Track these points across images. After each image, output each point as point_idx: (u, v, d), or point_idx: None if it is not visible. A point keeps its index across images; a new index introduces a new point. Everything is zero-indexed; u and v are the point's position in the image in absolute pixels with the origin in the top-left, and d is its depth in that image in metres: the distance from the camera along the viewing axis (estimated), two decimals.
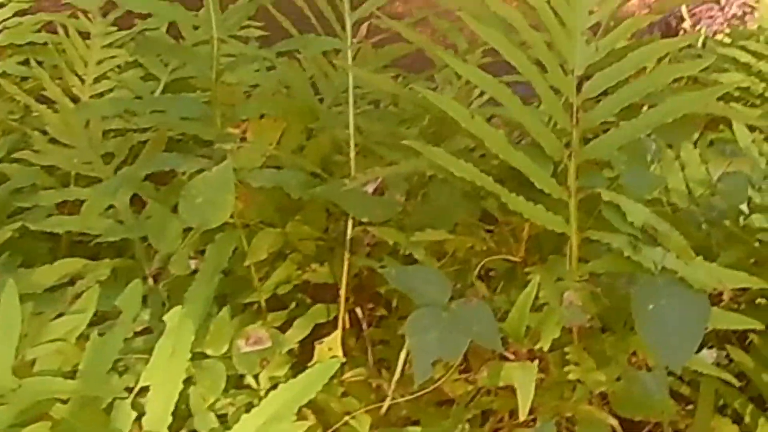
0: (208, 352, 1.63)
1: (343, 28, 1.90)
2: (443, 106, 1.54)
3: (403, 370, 1.65)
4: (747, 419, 1.78)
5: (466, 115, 1.52)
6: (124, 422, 1.44)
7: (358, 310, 1.88)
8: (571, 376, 1.61)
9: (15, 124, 2.34)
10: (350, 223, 1.80)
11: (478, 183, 1.51)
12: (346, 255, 1.81)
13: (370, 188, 1.77)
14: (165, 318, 1.51)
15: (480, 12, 1.59)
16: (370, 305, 1.95)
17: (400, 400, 1.63)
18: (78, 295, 1.60)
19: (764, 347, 1.79)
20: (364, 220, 1.73)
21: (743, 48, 2.90)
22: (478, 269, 1.68)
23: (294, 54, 2.34)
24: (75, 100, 2.40)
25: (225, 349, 1.64)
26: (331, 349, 1.65)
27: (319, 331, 1.79)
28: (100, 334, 1.49)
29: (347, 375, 1.74)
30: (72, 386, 1.40)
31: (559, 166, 1.61)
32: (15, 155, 2.13)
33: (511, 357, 1.61)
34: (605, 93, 1.63)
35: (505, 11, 1.58)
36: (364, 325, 1.87)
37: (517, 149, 1.56)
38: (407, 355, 1.63)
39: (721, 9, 4.50)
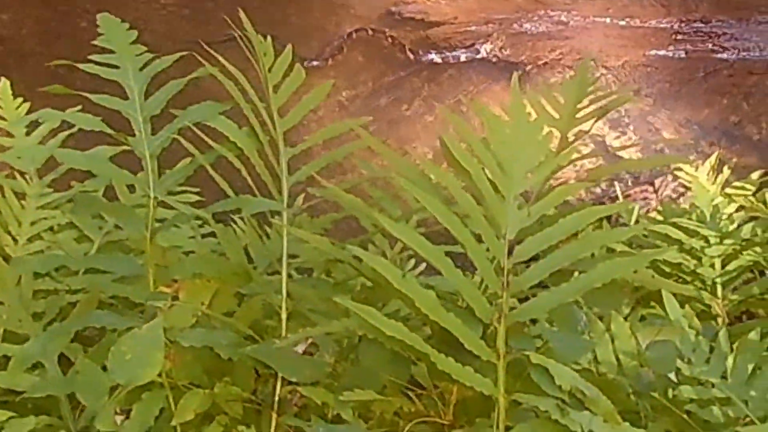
0: None
1: (280, 192, 1.93)
2: (376, 266, 1.56)
3: None
4: None
5: (397, 275, 1.55)
6: None
7: None
8: None
9: None
10: (279, 384, 1.80)
11: (408, 342, 1.52)
12: (274, 416, 1.80)
13: (299, 349, 1.77)
14: None
15: (414, 177, 1.63)
16: None
17: None
18: None
19: None
20: (293, 380, 1.72)
21: (675, 225, 2.96)
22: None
23: (229, 222, 2.37)
24: (6, 259, 2.39)
25: None
26: None
27: None
28: None
29: None
30: None
31: (489, 329, 1.63)
32: None
33: None
34: (536, 258, 1.66)
35: (440, 175, 1.62)
36: None
37: (447, 310, 1.57)
38: None
39: (656, 191, 4.64)
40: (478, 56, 5.48)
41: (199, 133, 1.92)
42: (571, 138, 1.82)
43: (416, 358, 1.69)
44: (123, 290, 1.95)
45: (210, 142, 1.91)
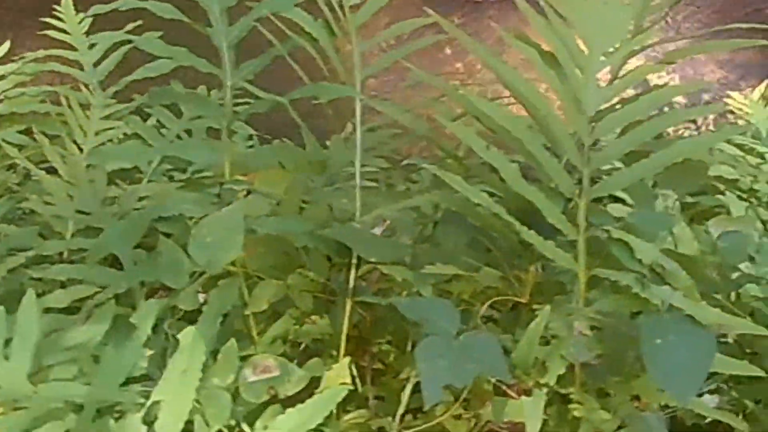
0: (215, 381, 1.62)
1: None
2: (457, 132, 1.58)
3: (403, 416, 1.66)
4: None
5: (482, 145, 1.57)
6: None
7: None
8: (575, 413, 1.61)
9: (15, 186, 2.38)
10: (353, 271, 1.82)
11: (493, 210, 1.54)
12: (349, 302, 1.82)
13: (377, 231, 1.80)
14: (179, 336, 1.51)
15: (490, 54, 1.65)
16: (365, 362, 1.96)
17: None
18: (90, 313, 1.60)
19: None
20: (373, 260, 1.75)
21: (729, 141, 2.97)
22: (483, 308, 1.70)
23: None
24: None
25: (231, 379, 1.63)
26: (339, 375, 1.64)
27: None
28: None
29: (349, 416, 1.74)
30: (85, 392, 1.39)
31: (570, 204, 1.65)
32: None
33: (512, 394, 1.62)
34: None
35: (522, 48, 1.63)
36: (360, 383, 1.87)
37: (530, 184, 1.60)
38: (410, 395, 1.64)
39: (698, 129, 4.63)
40: None
41: (279, 24, 1.93)
42: (646, 25, 1.82)
43: (497, 235, 1.71)
44: (199, 183, 1.97)
45: (287, 31, 1.92)
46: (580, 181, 1.63)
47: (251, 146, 3.05)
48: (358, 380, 1.79)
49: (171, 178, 2.64)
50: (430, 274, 1.69)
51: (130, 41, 2.43)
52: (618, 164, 1.74)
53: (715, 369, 1.61)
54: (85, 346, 1.49)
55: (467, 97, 1.62)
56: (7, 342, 1.42)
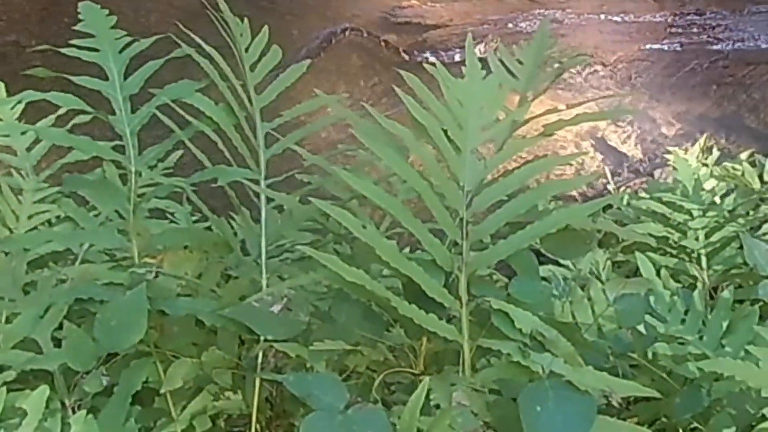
0: None
1: (258, 165, 2.02)
2: (338, 217, 1.64)
3: None
4: None
5: (358, 224, 1.62)
6: None
7: None
8: None
9: None
10: (259, 348, 1.87)
11: (368, 288, 1.59)
12: (258, 378, 1.87)
13: (276, 308, 1.84)
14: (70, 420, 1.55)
15: (373, 131, 1.71)
16: None
17: None
18: None
19: None
20: (269, 337, 1.79)
21: (659, 200, 3.03)
22: (378, 381, 1.74)
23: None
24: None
25: None
26: None
27: None
28: None
29: None
30: None
31: (451, 278, 1.70)
32: None
33: None
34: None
35: (397, 129, 1.69)
36: None
37: (409, 260, 1.65)
38: None
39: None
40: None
41: (179, 110, 2.00)
42: (529, 98, 1.88)
43: (383, 308, 1.76)
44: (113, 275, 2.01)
45: (188, 117, 1.99)
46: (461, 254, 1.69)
47: (196, 221, 3.09)
48: None
49: (112, 257, 2.70)
50: (324, 351, 1.73)
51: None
52: None
53: None
54: None
55: (348, 178, 1.67)
56: None
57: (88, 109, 1.98)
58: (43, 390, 1.66)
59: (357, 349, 1.75)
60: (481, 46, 5.54)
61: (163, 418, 1.93)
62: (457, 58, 5.58)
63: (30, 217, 2.64)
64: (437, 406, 1.64)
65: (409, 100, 1.69)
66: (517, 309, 1.65)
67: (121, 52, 2.05)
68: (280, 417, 2.00)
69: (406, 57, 5.74)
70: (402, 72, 1.77)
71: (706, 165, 3.33)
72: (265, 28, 2.15)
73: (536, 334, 1.65)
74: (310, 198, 1.72)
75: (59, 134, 1.96)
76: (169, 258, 1.99)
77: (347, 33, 5.89)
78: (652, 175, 5.38)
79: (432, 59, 5.60)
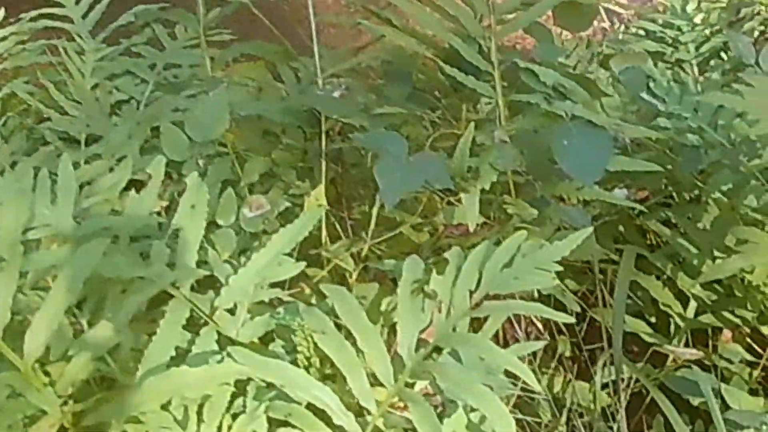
0: (220, 222, 2.00)
1: None
2: None
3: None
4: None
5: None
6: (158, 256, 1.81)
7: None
8: (509, 210, 2.00)
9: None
10: (324, 138, 2.21)
11: (421, 53, 1.93)
12: (323, 163, 2.21)
13: (337, 94, 2.19)
14: (186, 180, 1.89)
15: None
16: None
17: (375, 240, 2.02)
18: None
19: None
20: (334, 116, 2.14)
21: (652, 20, 3.37)
22: (429, 141, 2.09)
23: None
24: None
25: (233, 219, 2.01)
26: (317, 200, 2.03)
27: None
28: None
29: (333, 246, 2.13)
30: (119, 222, 1.79)
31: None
32: None
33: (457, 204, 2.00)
34: None
35: None
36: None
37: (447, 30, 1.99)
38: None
39: None
40: None
41: None
42: None
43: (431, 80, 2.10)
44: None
45: None
46: (489, 27, 2.03)
47: None
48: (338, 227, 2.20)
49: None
50: (381, 118, 2.08)
51: None
52: None
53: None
54: (116, 187, 1.88)
55: None
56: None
57: None
58: (160, 159, 1.99)
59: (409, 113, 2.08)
60: None
61: None
62: None
63: (93, 74, 2.97)
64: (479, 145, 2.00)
65: None
66: (541, 67, 1.99)
67: None
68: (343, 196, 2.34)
69: None
70: None
71: None
72: None
73: (558, 86, 1.99)
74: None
75: None
76: (237, 69, 2.33)
77: None
78: None
79: None
